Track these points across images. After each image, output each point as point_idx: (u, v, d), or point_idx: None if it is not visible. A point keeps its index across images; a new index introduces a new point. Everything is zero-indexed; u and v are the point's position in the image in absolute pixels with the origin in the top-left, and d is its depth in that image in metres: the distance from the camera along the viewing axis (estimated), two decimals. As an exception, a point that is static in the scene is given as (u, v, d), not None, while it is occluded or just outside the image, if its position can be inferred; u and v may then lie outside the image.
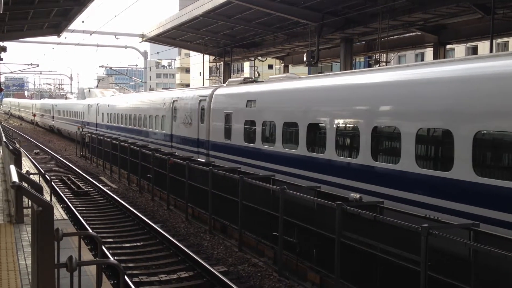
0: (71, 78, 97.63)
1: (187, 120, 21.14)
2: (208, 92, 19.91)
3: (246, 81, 19.47)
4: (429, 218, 8.49)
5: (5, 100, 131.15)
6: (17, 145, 19.56)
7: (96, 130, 36.88)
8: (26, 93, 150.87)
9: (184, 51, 76.03)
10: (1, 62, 30.99)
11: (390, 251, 8.03)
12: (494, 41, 17.48)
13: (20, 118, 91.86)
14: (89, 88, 47.96)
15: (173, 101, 22.99)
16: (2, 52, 26.97)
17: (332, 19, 22.13)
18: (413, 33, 24.25)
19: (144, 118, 27.11)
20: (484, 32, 19.58)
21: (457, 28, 21.59)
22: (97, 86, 50.73)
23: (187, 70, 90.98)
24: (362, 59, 41.56)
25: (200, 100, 20.06)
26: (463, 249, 7.13)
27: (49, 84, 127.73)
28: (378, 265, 8.43)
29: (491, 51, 17.59)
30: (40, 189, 6.30)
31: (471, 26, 20.73)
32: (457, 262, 7.38)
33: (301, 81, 15.35)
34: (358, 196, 10.11)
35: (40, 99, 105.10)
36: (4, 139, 18.57)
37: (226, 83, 21.17)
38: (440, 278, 7.23)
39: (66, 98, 65.23)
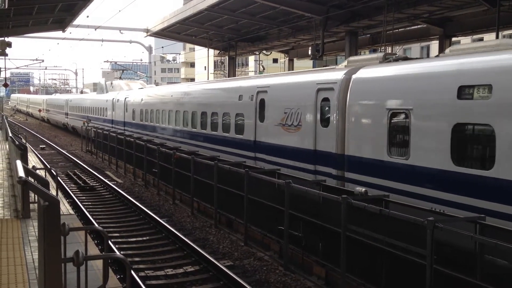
0: (76, 73, 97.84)
1: (289, 122, 14.09)
2: (335, 76, 12.54)
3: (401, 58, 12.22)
4: (434, 211, 8.47)
5: (13, 96, 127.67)
6: (23, 141, 19.62)
7: (124, 130, 30.78)
8: (31, 88, 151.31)
9: (188, 45, 75.96)
10: (6, 57, 31.03)
11: (396, 244, 8.03)
12: (500, 33, 17.37)
13: (29, 114, 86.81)
14: (113, 80, 40.47)
15: (259, 92, 15.95)
16: (7, 48, 27.01)
17: (336, 12, 22.05)
18: (419, 26, 24.13)
19: (203, 118, 19.82)
20: (490, 24, 19.47)
21: (463, 20, 21.48)
22: (120, 78, 42.58)
23: (192, 65, 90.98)
24: (367, 52, 41.43)
25: (319, 90, 12.91)
26: (469, 242, 7.12)
27: (55, 79, 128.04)
28: (384, 258, 8.43)
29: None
30: (46, 184, 6.32)
31: (476, 19, 20.61)
32: (463, 255, 7.37)
33: None
34: (363, 189, 10.09)
35: (52, 94, 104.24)
36: (10, 135, 18.63)
37: (363, 60, 13.08)
38: (446, 272, 7.22)
39: (82, 92, 58.64)
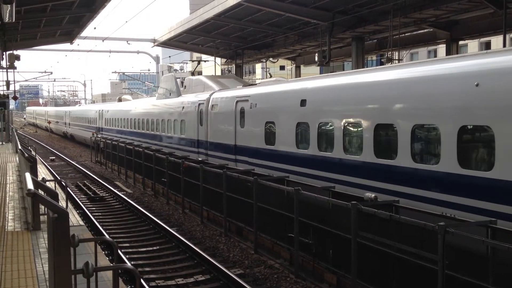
0: (84, 85, 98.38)
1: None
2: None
3: None
4: (445, 216, 8.41)
5: (28, 109, 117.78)
6: (33, 153, 19.73)
7: (235, 158, 17.76)
8: (40, 100, 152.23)
9: (195, 54, 76.26)
10: (15, 70, 31.27)
11: (407, 250, 7.98)
12: (507, 36, 17.28)
13: (49, 130, 73.68)
14: (190, 76, 26.58)
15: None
16: (16, 61, 27.23)
17: (342, 18, 22.06)
18: (425, 30, 24.08)
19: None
20: (497, 27, 19.39)
21: (469, 23, 21.41)
22: (192, 73, 31.26)
23: (199, 73, 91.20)
24: (374, 58, 41.39)
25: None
26: (481, 246, 7.06)
27: (63, 91, 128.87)
28: (395, 264, 8.38)
29: (504, 46, 17.42)
30: (55, 196, 6.34)
31: (483, 22, 20.54)
32: (475, 260, 7.31)
33: None
34: (373, 195, 10.06)
35: (61, 105, 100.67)
36: (20, 147, 18.74)
37: None
38: (458, 277, 7.16)
39: (120, 100, 40.29)
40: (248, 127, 16.69)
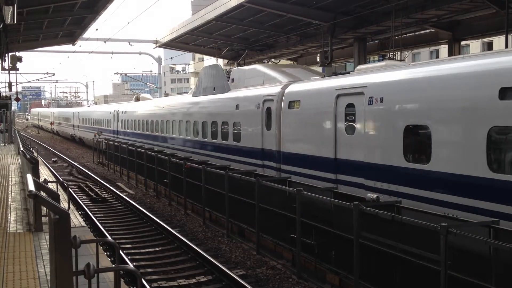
0: (87, 86, 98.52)
1: None
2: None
3: None
4: (447, 216, 8.39)
5: (33, 110, 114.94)
6: (35, 154, 19.74)
7: (335, 178, 12.65)
8: (43, 102, 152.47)
9: (197, 55, 76.35)
10: (17, 72, 31.33)
11: (409, 250, 7.96)
12: (509, 36, 17.22)
13: (55, 133, 69.93)
14: (240, 67, 22.67)
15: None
16: (18, 62, 27.30)
17: (344, 19, 22.03)
18: (427, 30, 24.04)
19: None
20: (499, 27, 19.33)
21: (472, 23, 21.36)
22: (240, 61, 27.93)
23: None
24: (376, 58, 41.36)
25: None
26: (483, 247, 7.04)
27: (65, 92, 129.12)
28: (398, 265, 8.36)
29: (506, 46, 17.37)
30: (57, 197, 6.34)
31: (485, 22, 20.49)
32: (478, 260, 7.29)
33: None
34: (375, 196, 10.04)
35: (63, 107, 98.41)
36: (22, 148, 18.76)
37: None
38: (461, 277, 7.14)
39: (138, 99, 35.58)
40: (363, 133, 11.42)
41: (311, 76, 16.51)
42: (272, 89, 15.76)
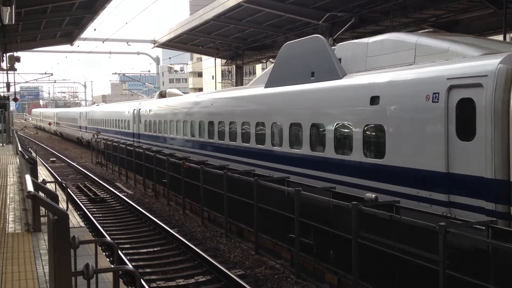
0: (85, 86, 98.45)
1: None
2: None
3: None
4: (446, 216, 8.40)
5: (34, 111, 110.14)
6: (33, 154, 19.73)
7: None
8: (41, 102, 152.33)
9: (196, 55, 76.34)
10: (15, 72, 31.33)
11: (408, 250, 7.97)
12: (507, 36, 17.27)
13: (58, 135, 66.30)
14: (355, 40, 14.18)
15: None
16: (16, 62, 27.31)
17: (343, 18, 22.05)
18: (425, 30, 24.04)
19: None
20: (497, 27, 19.38)
21: (470, 23, 21.39)
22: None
23: (200, 74, 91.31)
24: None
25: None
26: (483, 246, 7.06)
27: (64, 92, 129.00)
28: (396, 264, 8.37)
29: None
30: (55, 198, 6.34)
31: (483, 22, 20.52)
32: (477, 260, 7.30)
33: None
34: (373, 196, 10.04)
35: (61, 106, 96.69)
36: (20, 149, 18.74)
37: None
38: (460, 277, 7.15)
39: (163, 96, 30.07)
40: None
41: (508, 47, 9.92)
42: (474, 65, 8.95)
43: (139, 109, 29.73)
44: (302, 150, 13.32)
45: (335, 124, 12.14)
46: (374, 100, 10.86)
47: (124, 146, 26.85)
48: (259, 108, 16.19)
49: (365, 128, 11.06)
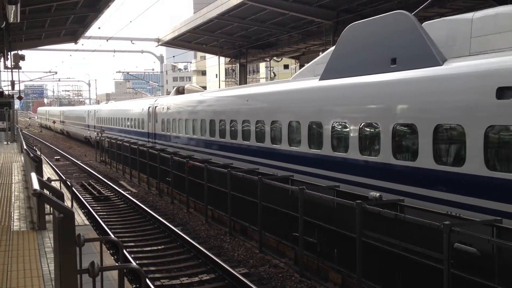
0: (89, 84, 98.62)
1: None
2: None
3: None
4: (450, 215, 8.39)
5: (40, 109, 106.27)
6: (38, 152, 19.78)
7: None
8: (45, 100, 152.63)
9: (199, 53, 76.36)
10: (20, 70, 31.37)
11: (412, 249, 7.96)
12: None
13: (64, 133, 63.75)
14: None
15: None
16: (20, 61, 27.33)
17: (347, 17, 22.04)
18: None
19: None
20: (502, 25, 19.33)
21: (474, 21, 21.35)
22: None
23: (203, 73, 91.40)
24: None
25: None
26: (486, 246, 7.05)
27: (68, 90, 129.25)
28: (400, 263, 8.36)
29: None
30: (61, 196, 6.36)
31: (488, 19, 20.47)
32: (481, 259, 7.29)
33: None
34: (378, 194, 10.03)
35: (65, 105, 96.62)
36: (25, 147, 18.80)
37: None
38: (464, 276, 7.15)
39: (180, 92, 26.63)
40: None
41: None
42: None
43: (155, 107, 26.74)
44: (380, 157, 10.39)
45: (435, 125, 9.09)
46: (504, 92, 7.90)
47: (128, 144, 26.82)
48: (314, 106, 13.03)
49: (488, 130, 8.09)
